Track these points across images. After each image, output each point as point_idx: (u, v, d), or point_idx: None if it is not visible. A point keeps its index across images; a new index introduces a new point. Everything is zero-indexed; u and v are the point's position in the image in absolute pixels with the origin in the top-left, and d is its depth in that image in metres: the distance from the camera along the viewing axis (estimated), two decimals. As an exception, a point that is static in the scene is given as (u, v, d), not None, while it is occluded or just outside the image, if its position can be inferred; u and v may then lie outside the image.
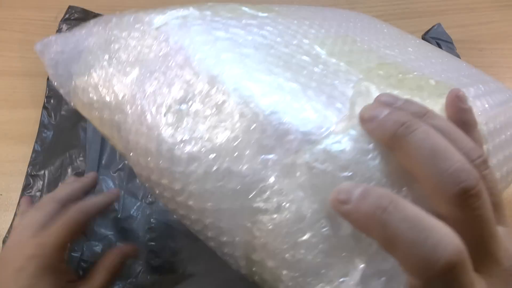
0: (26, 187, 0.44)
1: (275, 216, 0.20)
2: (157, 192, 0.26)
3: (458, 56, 0.56)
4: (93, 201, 0.37)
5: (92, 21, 0.30)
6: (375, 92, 0.24)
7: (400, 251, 0.16)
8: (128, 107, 0.26)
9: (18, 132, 0.49)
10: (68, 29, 0.53)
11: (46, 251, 0.32)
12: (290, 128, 0.20)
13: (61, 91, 0.29)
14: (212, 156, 0.22)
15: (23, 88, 0.52)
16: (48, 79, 0.51)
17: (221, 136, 0.22)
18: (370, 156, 0.20)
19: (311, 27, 0.31)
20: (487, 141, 0.29)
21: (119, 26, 0.27)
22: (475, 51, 0.55)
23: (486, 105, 0.30)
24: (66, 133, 0.48)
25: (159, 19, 0.26)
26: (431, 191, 0.18)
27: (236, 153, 0.21)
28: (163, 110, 0.24)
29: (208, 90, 0.23)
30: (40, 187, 0.44)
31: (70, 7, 0.54)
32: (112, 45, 0.26)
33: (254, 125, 0.21)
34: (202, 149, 0.22)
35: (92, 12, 0.54)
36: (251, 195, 0.21)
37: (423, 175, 0.18)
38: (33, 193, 0.44)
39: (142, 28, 0.26)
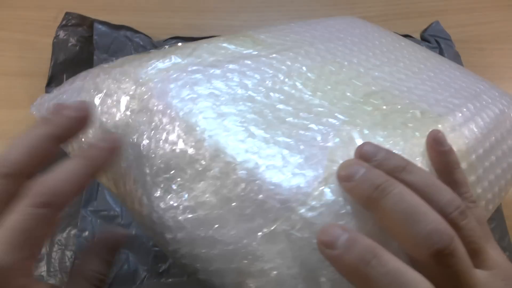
0: None
1: (258, 279, 0.22)
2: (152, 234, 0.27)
3: (457, 54, 0.56)
4: (69, 171, 0.22)
5: (80, 77, 0.30)
6: (357, 139, 0.25)
7: None
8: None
9: (18, 132, 0.49)
10: (65, 35, 0.52)
11: None
12: (268, 196, 0.22)
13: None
14: (196, 224, 0.23)
15: (23, 88, 0.52)
16: (47, 85, 0.50)
17: (205, 206, 0.23)
18: (345, 220, 0.21)
19: (296, 59, 0.32)
20: (477, 168, 0.30)
21: (104, 84, 0.28)
22: (475, 51, 0.55)
23: (475, 130, 0.31)
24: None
25: (143, 74, 0.28)
26: (408, 250, 0.20)
27: (219, 224, 0.22)
28: (149, 177, 0.25)
29: (189, 158, 0.24)
30: None
31: (67, 13, 0.54)
32: (100, 108, 0.28)
33: (235, 194, 0.22)
34: (187, 218, 0.23)
35: (88, 17, 0.54)
36: (235, 260, 0.22)
37: (399, 236, 0.19)
38: None
39: (125, 88, 0.28)
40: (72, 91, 0.29)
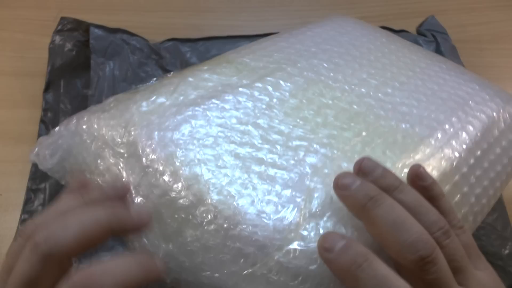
0: (28, 202, 0.44)
1: None
2: None
3: (453, 47, 0.55)
4: (117, 272, 0.20)
5: (73, 119, 0.32)
6: (334, 175, 0.25)
7: None
8: None
9: (18, 132, 0.49)
10: (62, 40, 0.52)
11: None
12: (246, 243, 0.23)
13: (62, 182, 0.32)
14: (183, 268, 0.24)
15: (23, 88, 0.52)
16: (44, 90, 0.50)
17: (187, 251, 0.24)
18: (318, 263, 0.22)
19: (278, 85, 0.33)
20: (462, 186, 0.31)
21: (95, 130, 0.30)
22: (475, 51, 0.55)
23: (458, 148, 0.32)
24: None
25: (129, 120, 0.29)
26: (394, 256, 0.21)
27: (203, 267, 0.24)
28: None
29: (174, 207, 0.26)
30: (42, 201, 0.44)
31: (62, 18, 0.53)
32: (94, 152, 0.30)
33: (217, 242, 0.24)
34: (176, 262, 0.25)
35: (84, 22, 0.53)
36: None
37: (387, 243, 0.21)
38: (34, 207, 0.43)
39: (114, 135, 0.29)
40: (67, 136, 0.30)
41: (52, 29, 0.54)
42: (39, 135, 0.48)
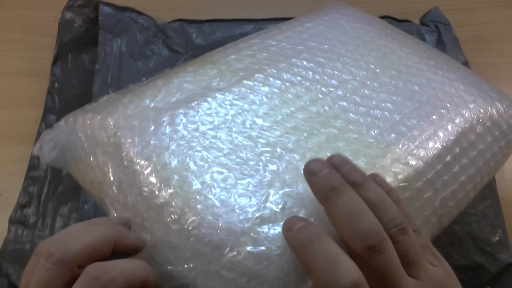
0: (30, 169, 0.45)
1: None
2: None
3: (455, 39, 0.55)
4: (125, 267, 0.23)
5: (72, 117, 0.35)
6: (293, 185, 0.28)
7: (314, 274, 0.22)
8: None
9: (18, 132, 0.49)
10: (71, 16, 0.54)
11: None
12: (204, 243, 0.26)
13: (65, 171, 0.35)
14: (154, 261, 0.27)
15: (23, 88, 0.52)
16: (53, 63, 0.52)
17: (156, 247, 0.27)
18: (263, 265, 0.25)
19: (257, 89, 0.34)
20: (426, 191, 0.32)
21: (88, 129, 0.33)
22: (475, 51, 0.55)
23: (425, 154, 0.32)
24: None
25: (115, 122, 0.32)
26: (347, 242, 0.24)
27: (169, 261, 0.26)
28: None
29: (147, 204, 0.28)
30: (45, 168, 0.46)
31: None
32: (88, 148, 0.33)
33: (180, 239, 0.27)
34: (148, 255, 0.27)
35: None
36: None
37: (341, 230, 0.24)
38: (36, 174, 0.45)
39: (102, 135, 0.32)
40: (65, 133, 0.34)
41: (53, 29, 0.55)
42: (46, 107, 0.49)
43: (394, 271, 0.23)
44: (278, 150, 0.31)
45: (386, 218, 0.24)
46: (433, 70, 0.39)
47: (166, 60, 0.52)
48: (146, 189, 0.29)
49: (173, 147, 0.30)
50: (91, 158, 0.32)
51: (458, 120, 0.35)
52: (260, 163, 0.30)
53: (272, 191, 0.28)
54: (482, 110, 0.37)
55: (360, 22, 0.44)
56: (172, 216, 0.27)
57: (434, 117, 0.35)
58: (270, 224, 0.26)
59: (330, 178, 0.25)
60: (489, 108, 0.37)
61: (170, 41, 0.53)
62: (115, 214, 0.30)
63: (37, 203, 0.44)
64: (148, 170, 0.29)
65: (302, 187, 0.28)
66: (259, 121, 0.32)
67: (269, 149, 0.31)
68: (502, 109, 0.38)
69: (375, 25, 0.45)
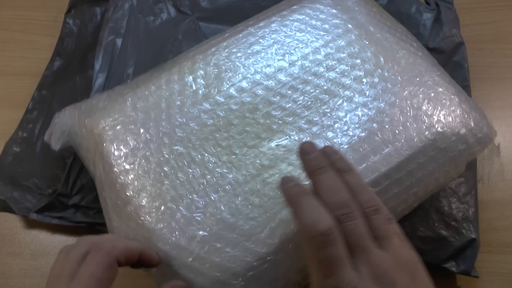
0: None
1: None
2: None
3: (456, 18, 0.54)
4: (129, 244, 0.31)
5: (70, 110, 0.40)
6: (227, 213, 0.34)
7: (301, 217, 0.28)
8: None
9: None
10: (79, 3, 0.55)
11: None
12: (163, 253, 0.32)
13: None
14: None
15: (23, 88, 0.52)
16: (66, 12, 0.54)
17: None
18: (202, 278, 0.32)
19: (206, 111, 0.38)
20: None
21: (81, 125, 0.39)
22: (475, 51, 0.55)
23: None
24: (76, 63, 0.52)
25: (100, 129, 0.37)
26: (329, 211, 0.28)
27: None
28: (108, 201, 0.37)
29: (115, 205, 0.35)
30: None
31: None
32: (81, 139, 0.39)
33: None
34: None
35: None
36: None
37: (324, 200, 0.28)
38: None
39: (91, 134, 0.38)
40: (68, 125, 0.39)
41: (52, 29, 0.55)
42: (55, 51, 0.52)
43: (362, 237, 0.27)
44: (220, 171, 0.35)
45: (362, 200, 0.29)
46: (398, 87, 0.39)
47: (172, 19, 0.53)
48: (120, 197, 0.34)
49: (138, 162, 0.35)
50: (86, 153, 0.39)
51: (405, 147, 0.37)
52: (206, 184, 0.35)
53: (215, 214, 0.34)
54: (433, 131, 0.37)
55: (340, 18, 0.43)
56: (138, 229, 0.33)
57: (376, 137, 0.37)
58: (211, 243, 0.32)
59: (319, 159, 0.30)
60: (444, 128, 0.38)
61: (178, 2, 0.54)
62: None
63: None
64: (121, 180, 0.35)
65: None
66: (208, 142, 0.37)
67: (209, 174, 0.35)
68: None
69: (355, 20, 0.43)
